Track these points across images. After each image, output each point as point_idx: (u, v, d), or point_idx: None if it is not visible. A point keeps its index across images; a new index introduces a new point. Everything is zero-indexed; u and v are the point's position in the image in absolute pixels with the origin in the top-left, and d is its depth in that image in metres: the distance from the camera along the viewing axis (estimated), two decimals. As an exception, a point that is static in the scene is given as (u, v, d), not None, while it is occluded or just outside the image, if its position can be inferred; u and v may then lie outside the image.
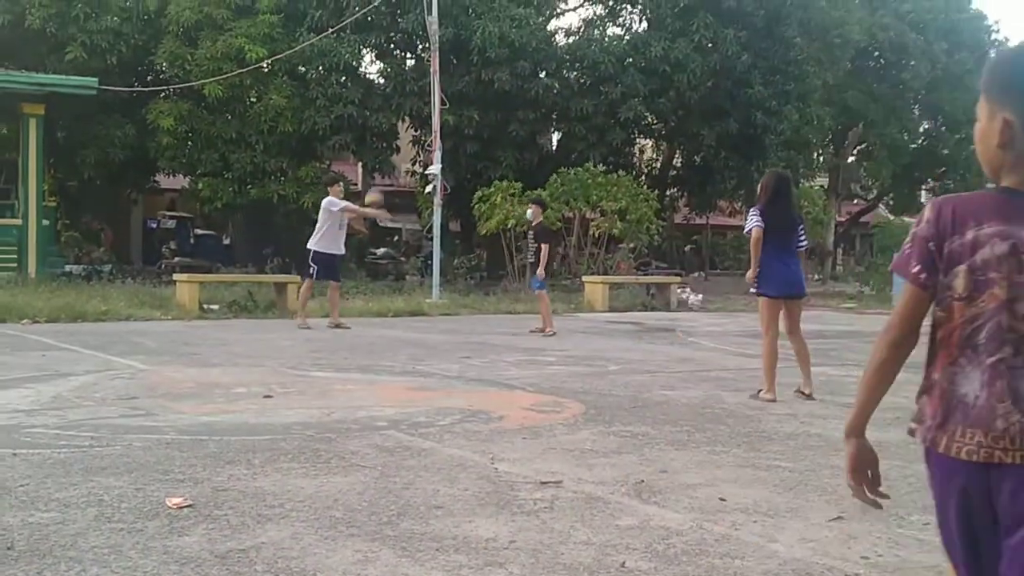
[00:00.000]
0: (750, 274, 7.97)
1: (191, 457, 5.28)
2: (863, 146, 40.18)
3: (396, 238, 36.54)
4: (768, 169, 8.86)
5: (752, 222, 7.83)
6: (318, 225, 13.67)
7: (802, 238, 8.06)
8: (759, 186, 8.13)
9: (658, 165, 34.60)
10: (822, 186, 37.35)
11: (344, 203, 13.90)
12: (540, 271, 13.25)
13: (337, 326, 13.43)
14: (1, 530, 3.91)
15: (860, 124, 36.94)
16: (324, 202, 13.79)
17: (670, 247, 37.91)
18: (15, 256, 21.31)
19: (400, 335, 12.83)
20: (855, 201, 47.16)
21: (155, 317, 14.46)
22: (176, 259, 26.99)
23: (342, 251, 13.97)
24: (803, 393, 7.89)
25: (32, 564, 3.52)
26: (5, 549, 3.67)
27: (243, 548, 3.76)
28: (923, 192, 43.17)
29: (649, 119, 29.95)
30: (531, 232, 13.99)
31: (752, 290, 8.09)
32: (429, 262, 23.06)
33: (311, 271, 13.50)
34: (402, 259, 30.09)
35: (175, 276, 17.36)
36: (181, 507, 4.28)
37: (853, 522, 4.36)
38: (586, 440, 6.06)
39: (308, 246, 13.66)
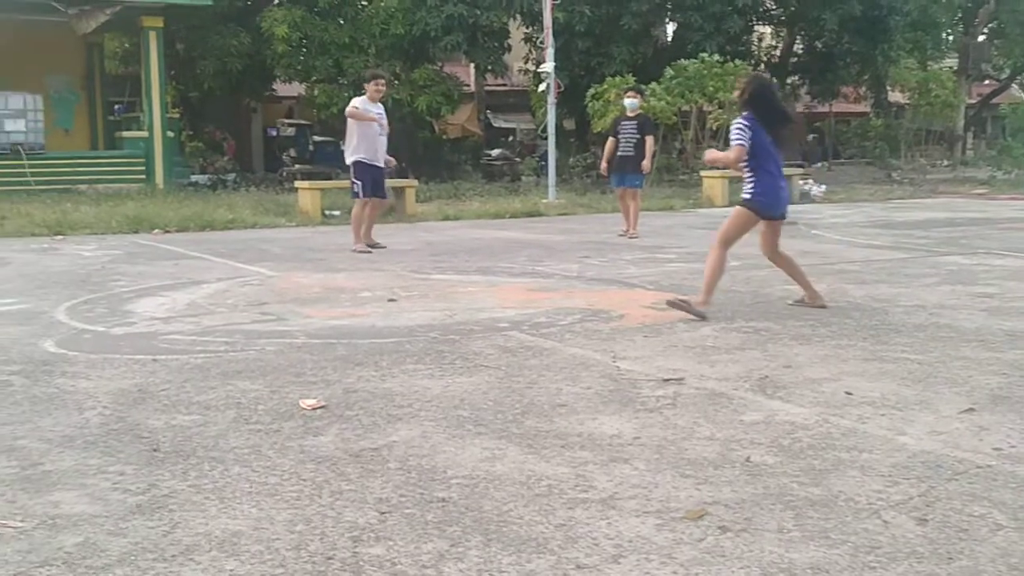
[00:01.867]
0: (716, 156, 7.24)
1: (321, 360, 5.45)
2: (994, 24, 38.12)
3: (511, 138, 36.44)
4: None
5: (734, 137, 6.71)
6: (348, 133, 11.31)
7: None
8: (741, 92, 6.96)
9: (778, 53, 33.45)
10: (951, 68, 35.69)
11: (355, 106, 11.16)
12: (647, 164, 12.52)
13: (372, 246, 11.25)
14: (147, 432, 4.12)
15: (992, 0, 35.00)
16: (352, 104, 11.29)
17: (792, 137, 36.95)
18: (143, 168, 22.00)
19: (518, 236, 12.88)
20: (986, 82, 44.99)
21: (279, 224, 14.81)
22: (296, 166, 27.45)
23: (383, 160, 11.29)
24: (803, 302, 7.05)
25: (177, 464, 3.71)
26: (151, 451, 3.88)
27: (375, 447, 3.89)
28: (1059, 69, 40.89)
29: (768, 4, 28.92)
30: (629, 123, 12.59)
31: (745, 196, 6.94)
32: (544, 162, 22.94)
33: (355, 189, 11.22)
34: (517, 160, 30.01)
35: (296, 183, 17.68)
36: (315, 408, 4.43)
37: (985, 413, 4.27)
38: (708, 337, 6.03)
39: (347, 160, 11.36)
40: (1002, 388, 4.71)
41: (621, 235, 12.58)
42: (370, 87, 11.24)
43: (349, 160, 11.25)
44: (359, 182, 11.16)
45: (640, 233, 12.61)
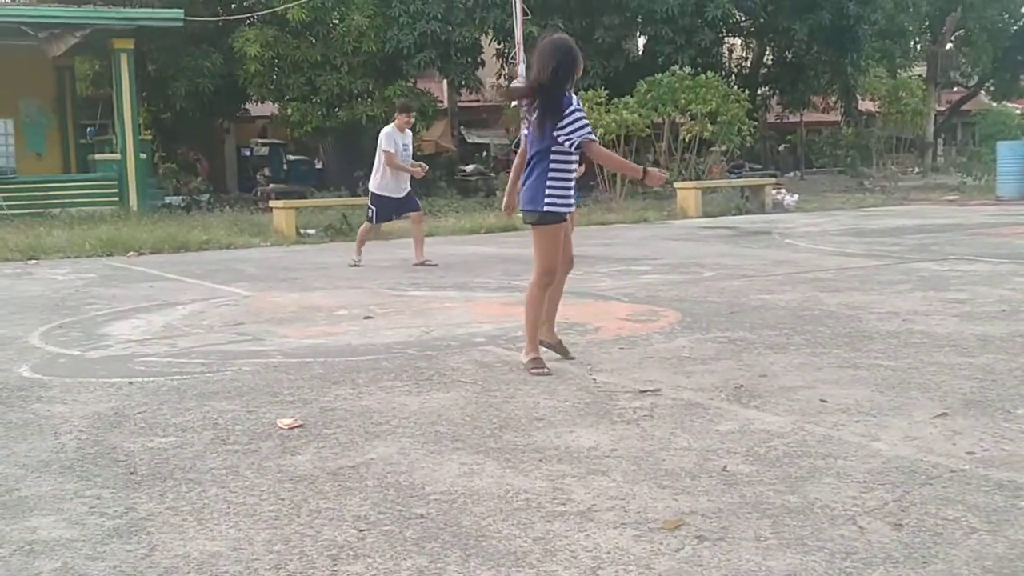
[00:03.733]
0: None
1: (298, 379, 5.44)
2: (961, 32, 38.60)
3: (485, 154, 36.50)
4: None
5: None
6: (376, 163, 11.67)
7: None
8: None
9: (748, 64, 33.75)
10: (920, 76, 36.05)
11: (389, 151, 11.41)
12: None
13: (423, 263, 11.43)
14: (123, 456, 4.11)
15: (958, 8, 35.43)
16: (383, 135, 11.55)
17: (763, 148, 37.19)
18: (117, 190, 21.89)
19: (493, 251, 12.91)
20: (955, 89, 45.49)
21: (254, 244, 14.78)
22: (271, 185, 27.40)
23: (405, 190, 11.67)
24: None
25: (155, 487, 3.70)
26: (128, 474, 3.86)
27: (353, 465, 3.89)
28: (1026, 76, 41.40)
29: (738, 17, 29.14)
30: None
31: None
32: (519, 176, 22.99)
33: (369, 214, 11.86)
34: (491, 175, 30.06)
35: (271, 203, 17.66)
36: (292, 428, 4.43)
37: (958, 418, 4.31)
38: (683, 348, 6.07)
39: (370, 187, 11.90)
40: (975, 392, 4.76)
41: None
42: (401, 118, 11.66)
43: (372, 188, 11.74)
44: (374, 208, 11.73)
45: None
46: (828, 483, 3.52)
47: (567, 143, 5.33)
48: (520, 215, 5.80)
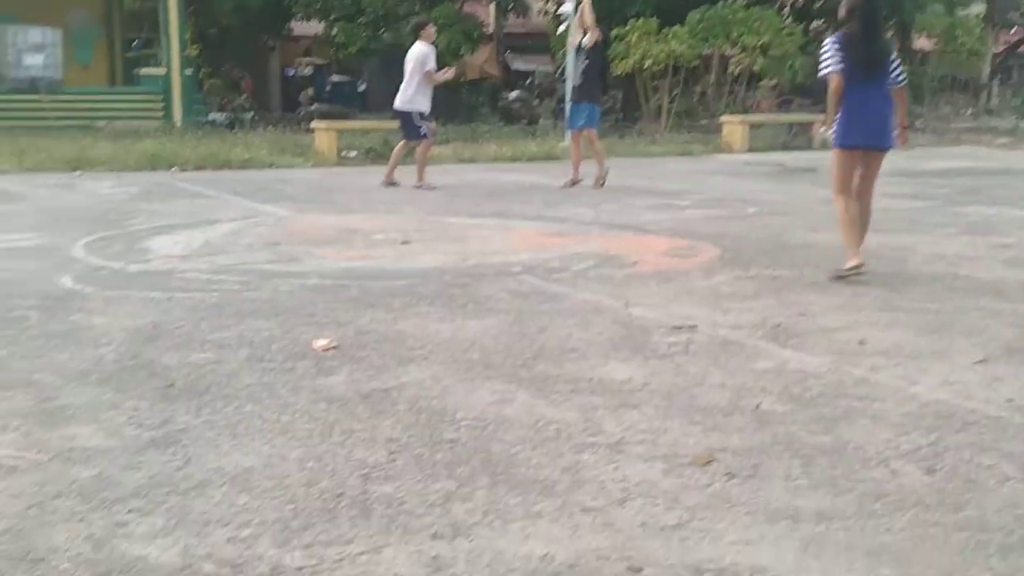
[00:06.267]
0: (822, 129, 6.37)
1: (334, 301, 5.47)
2: (1025, -31, 37.46)
3: (529, 81, 36.12)
4: None
5: (829, 63, 6.04)
6: (414, 81, 11.48)
7: (897, 74, 6.26)
8: (842, 9, 6.27)
9: (803, -2, 32.99)
10: (978, 15, 35.09)
11: (432, 69, 11.47)
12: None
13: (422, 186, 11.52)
14: (161, 369, 4.16)
15: (1023, -55, 34.35)
16: (416, 51, 11.50)
17: (814, 82, 36.53)
18: (162, 105, 21.92)
19: (534, 180, 12.82)
20: (1013, 30, 44.25)
21: (296, 164, 14.78)
22: (314, 106, 27.31)
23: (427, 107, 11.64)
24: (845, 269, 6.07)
25: (192, 401, 3.74)
26: (166, 387, 3.91)
27: (386, 388, 3.91)
28: (1091, 17, 40.19)
29: (793, -53, 28.42)
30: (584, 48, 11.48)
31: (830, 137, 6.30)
32: (562, 105, 22.76)
33: (424, 131, 11.65)
34: (535, 102, 29.77)
35: (314, 124, 17.61)
36: (327, 349, 4.46)
37: (999, 364, 4.26)
38: (722, 284, 6.02)
39: (418, 108, 11.56)
40: (1017, 340, 4.69)
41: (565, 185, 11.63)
42: (427, 32, 11.72)
43: (421, 107, 11.58)
44: (425, 124, 11.66)
45: (599, 177, 11.66)
46: (862, 425, 3.50)
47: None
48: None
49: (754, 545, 2.60)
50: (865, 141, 6.16)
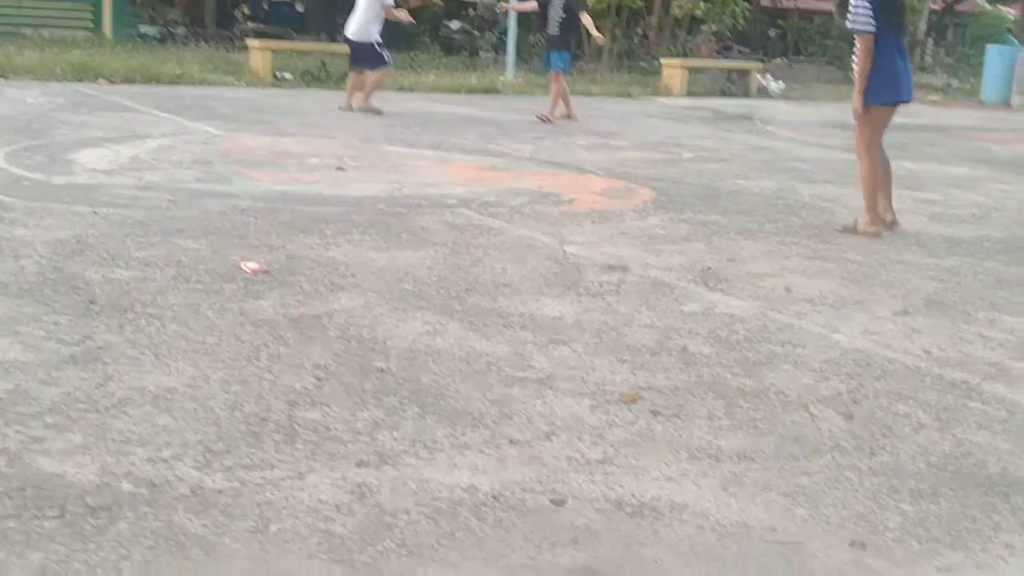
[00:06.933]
0: (858, 100, 6.16)
1: (266, 224, 5.39)
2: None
3: (471, 11, 35.65)
4: None
5: (863, 22, 5.91)
6: (369, 11, 11.60)
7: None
8: None
9: (747, -57, 32.90)
10: (918, -29, 35.35)
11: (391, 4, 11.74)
12: (598, 37, 12.95)
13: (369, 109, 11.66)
14: (83, 284, 4.07)
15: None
16: None
17: (754, 31, 36.55)
18: (92, 15, 21.24)
19: (473, 113, 12.71)
20: (952, -11, 44.70)
21: (228, 83, 14.46)
22: (250, 24, 26.66)
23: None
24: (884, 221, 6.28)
25: (113, 318, 3.67)
26: (87, 303, 3.83)
27: (316, 314, 3.87)
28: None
29: None
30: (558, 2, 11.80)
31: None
32: (504, 38, 22.50)
33: (387, 57, 11.85)
34: (476, 34, 29.41)
35: (248, 42, 17.20)
36: (256, 272, 4.40)
37: (919, 316, 4.36)
38: (655, 226, 6.05)
39: (370, 39, 11.62)
40: (937, 293, 4.80)
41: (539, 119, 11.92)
42: None
43: (374, 39, 11.66)
44: (387, 51, 11.84)
45: (556, 118, 12.04)
46: (785, 370, 3.56)
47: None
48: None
49: (675, 481, 2.64)
50: (906, 95, 6.34)
